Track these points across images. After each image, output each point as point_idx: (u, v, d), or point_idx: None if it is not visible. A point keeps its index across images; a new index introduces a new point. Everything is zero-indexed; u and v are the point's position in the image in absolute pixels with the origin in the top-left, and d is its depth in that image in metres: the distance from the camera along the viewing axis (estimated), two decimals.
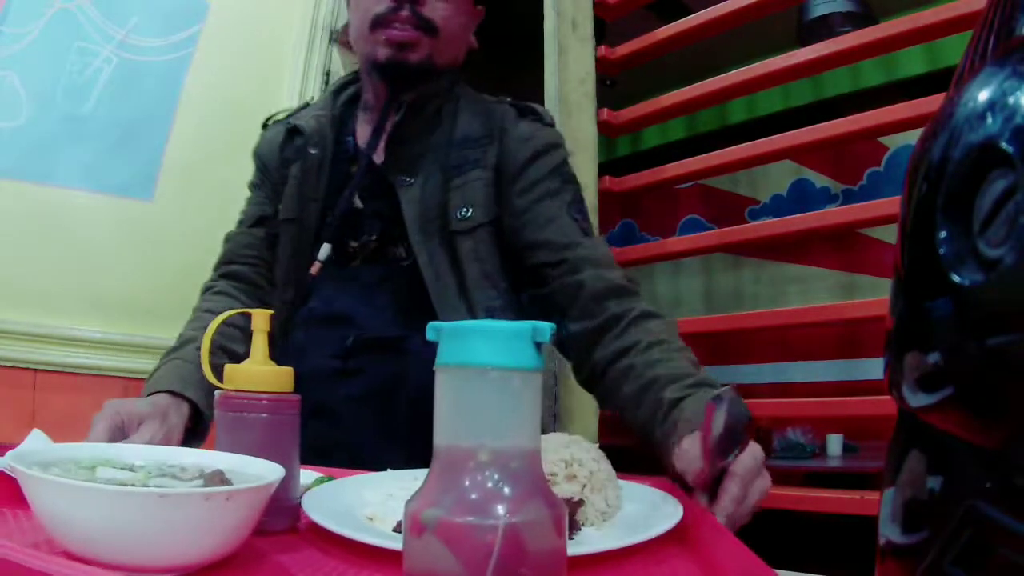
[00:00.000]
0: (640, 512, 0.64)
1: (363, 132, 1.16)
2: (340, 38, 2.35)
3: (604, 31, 1.96)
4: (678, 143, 3.42)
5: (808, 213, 1.61)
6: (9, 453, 0.50)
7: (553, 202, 1.07)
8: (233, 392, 0.61)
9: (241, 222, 1.23)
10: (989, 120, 0.23)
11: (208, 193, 2.08)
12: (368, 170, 1.11)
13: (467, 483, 0.35)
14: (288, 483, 0.59)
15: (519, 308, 1.09)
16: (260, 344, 0.64)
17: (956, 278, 0.22)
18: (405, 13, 1.05)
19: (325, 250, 1.08)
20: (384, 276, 1.08)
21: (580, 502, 0.62)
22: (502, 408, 0.36)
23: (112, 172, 2.00)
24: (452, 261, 1.05)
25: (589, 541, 0.56)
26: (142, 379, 2.02)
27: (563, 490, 0.64)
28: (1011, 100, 0.22)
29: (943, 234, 0.23)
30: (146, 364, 1.98)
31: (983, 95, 0.23)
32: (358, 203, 1.10)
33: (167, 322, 2.07)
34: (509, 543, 0.33)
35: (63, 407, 1.86)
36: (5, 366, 1.84)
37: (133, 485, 0.49)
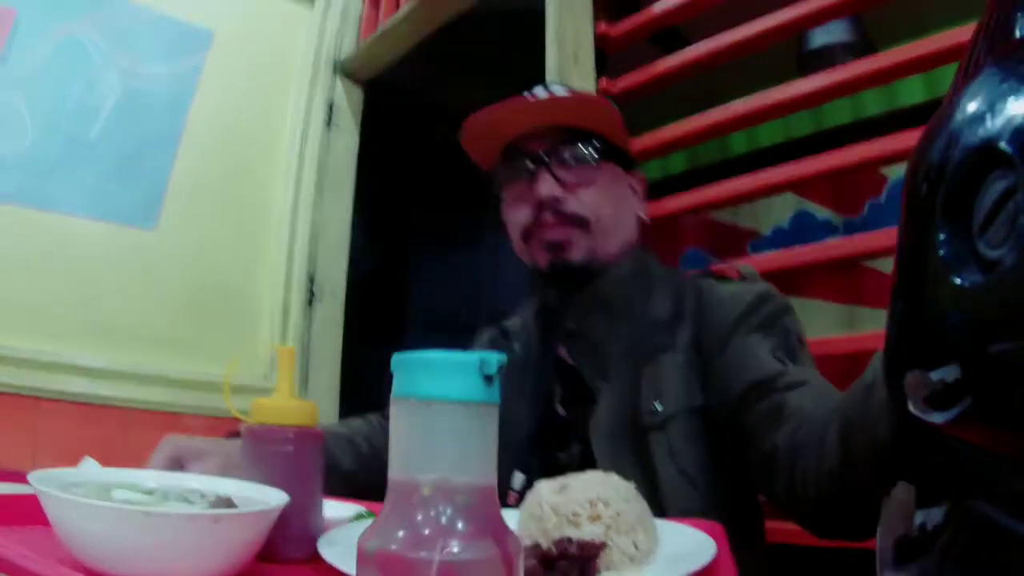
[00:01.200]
0: (675, 554, 0.60)
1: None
2: (344, 68, 2.37)
3: (605, 63, 1.97)
4: (679, 176, 3.43)
5: (809, 245, 1.60)
6: (33, 474, 0.51)
7: (754, 353, 0.91)
8: (258, 426, 0.63)
9: None
10: (988, 121, 0.23)
11: (212, 221, 2.09)
12: (564, 374, 1.03)
13: (411, 517, 0.35)
14: (306, 514, 0.61)
15: (725, 507, 0.92)
16: (286, 379, 0.66)
17: (956, 280, 0.22)
18: (549, 217, 1.00)
19: (519, 479, 0.97)
20: None
21: (602, 545, 0.58)
22: (446, 442, 0.35)
23: (116, 199, 2.01)
24: (642, 464, 0.93)
25: None
26: (144, 410, 2.00)
27: (585, 532, 0.60)
28: (1011, 101, 0.22)
29: (943, 235, 0.23)
30: (148, 394, 1.98)
31: (982, 96, 0.23)
32: (561, 411, 1.02)
33: (170, 351, 2.07)
34: None
35: (65, 435, 1.85)
36: (7, 393, 1.83)
37: (135, 504, 0.51)
